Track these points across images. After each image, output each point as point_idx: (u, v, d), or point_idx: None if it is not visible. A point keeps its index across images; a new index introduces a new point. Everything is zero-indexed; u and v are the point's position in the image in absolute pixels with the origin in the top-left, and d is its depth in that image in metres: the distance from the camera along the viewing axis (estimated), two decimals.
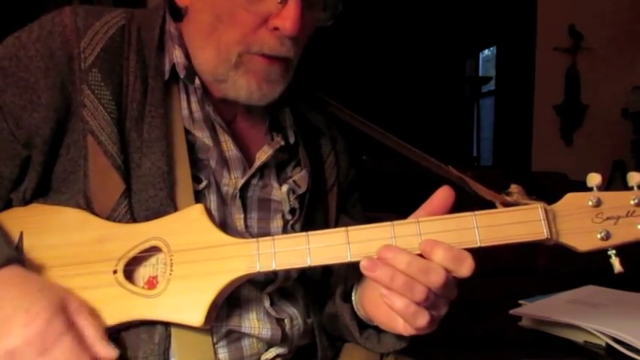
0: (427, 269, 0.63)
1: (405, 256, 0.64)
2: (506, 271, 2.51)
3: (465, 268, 0.63)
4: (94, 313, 0.67)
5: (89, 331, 0.64)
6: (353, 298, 0.78)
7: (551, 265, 2.64)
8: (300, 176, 0.85)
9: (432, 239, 0.65)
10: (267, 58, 0.74)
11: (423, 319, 0.64)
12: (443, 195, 0.67)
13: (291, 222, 0.83)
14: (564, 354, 1.02)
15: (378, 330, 0.76)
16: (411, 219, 0.67)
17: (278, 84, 0.76)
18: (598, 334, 0.98)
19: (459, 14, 5.08)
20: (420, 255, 0.65)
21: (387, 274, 0.64)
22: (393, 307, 0.64)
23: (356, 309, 0.77)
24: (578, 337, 1.02)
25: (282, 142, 0.83)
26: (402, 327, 0.67)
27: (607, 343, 0.97)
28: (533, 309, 1.14)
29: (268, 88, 0.75)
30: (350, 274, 0.80)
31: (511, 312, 1.14)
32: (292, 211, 0.84)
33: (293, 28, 0.70)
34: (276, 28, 0.72)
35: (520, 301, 1.20)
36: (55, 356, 0.60)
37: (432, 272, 0.63)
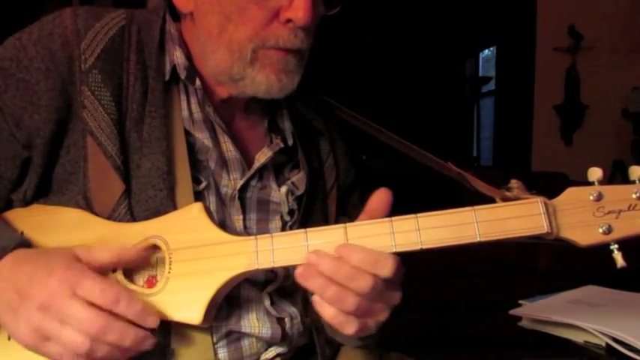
0: (354, 276, 0.63)
1: (330, 264, 0.63)
2: (506, 271, 2.51)
3: (386, 269, 0.63)
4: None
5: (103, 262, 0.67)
6: None
7: (552, 265, 2.64)
8: (298, 178, 0.85)
9: (347, 244, 0.65)
10: (282, 51, 0.74)
11: (351, 328, 0.65)
12: (378, 197, 0.68)
13: (289, 223, 0.83)
14: (564, 354, 1.02)
15: None
16: (408, 216, 0.66)
17: (295, 74, 0.76)
18: (598, 334, 0.97)
19: (458, 14, 5.09)
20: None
21: (319, 284, 0.64)
22: (322, 315, 0.65)
23: None
24: (578, 337, 1.01)
25: (282, 145, 0.83)
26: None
27: (607, 343, 0.96)
28: (533, 309, 1.14)
29: (287, 80, 0.76)
30: None
31: (511, 312, 1.13)
32: (291, 212, 0.84)
33: (306, 17, 0.71)
34: (288, 20, 0.72)
35: (520, 301, 1.19)
36: (86, 288, 0.62)
37: (359, 278, 0.63)
